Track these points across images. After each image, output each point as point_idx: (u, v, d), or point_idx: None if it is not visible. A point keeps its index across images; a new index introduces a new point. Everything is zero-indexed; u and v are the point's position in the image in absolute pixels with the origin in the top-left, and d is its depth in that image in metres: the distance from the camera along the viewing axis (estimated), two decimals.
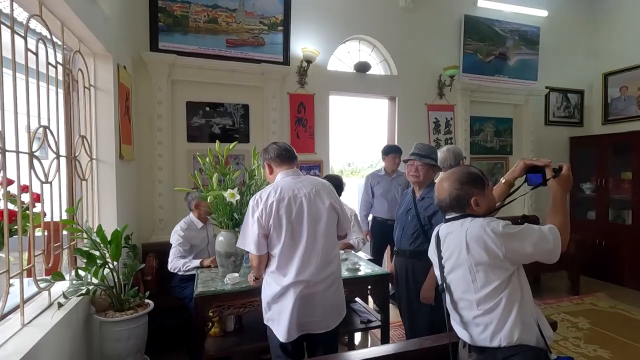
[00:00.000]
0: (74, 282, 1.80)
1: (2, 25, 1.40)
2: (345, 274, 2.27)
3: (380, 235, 3.65)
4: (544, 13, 4.81)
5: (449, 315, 1.34)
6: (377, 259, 3.67)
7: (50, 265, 1.75)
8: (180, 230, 2.75)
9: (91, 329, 1.98)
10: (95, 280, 1.87)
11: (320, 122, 3.91)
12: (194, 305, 1.92)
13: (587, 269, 4.75)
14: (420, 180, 2.16)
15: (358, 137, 9.14)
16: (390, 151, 3.62)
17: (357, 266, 2.33)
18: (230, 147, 2.17)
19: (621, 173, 4.63)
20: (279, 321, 1.64)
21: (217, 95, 3.58)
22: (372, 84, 4.14)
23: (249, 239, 1.62)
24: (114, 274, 1.97)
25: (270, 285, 1.66)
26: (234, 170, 2.25)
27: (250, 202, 1.65)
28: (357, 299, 2.74)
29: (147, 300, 2.11)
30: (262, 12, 3.60)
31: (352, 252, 2.95)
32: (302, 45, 3.71)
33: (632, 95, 4.73)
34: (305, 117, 3.84)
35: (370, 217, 3.79)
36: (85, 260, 1.85)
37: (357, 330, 2.62)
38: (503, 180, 1.50)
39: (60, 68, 2.01)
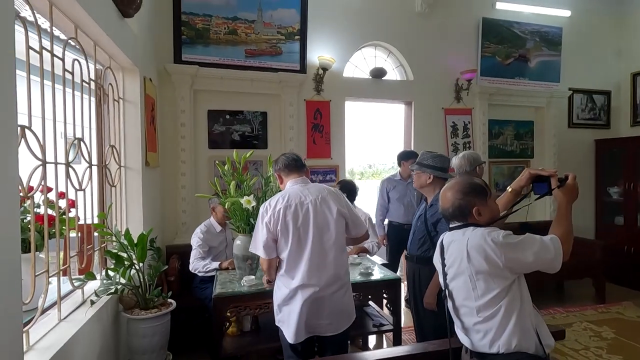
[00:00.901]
0: (105, 281, 1.95)
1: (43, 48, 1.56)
2: (357, 278, 2.33)
3: (397, 240, 3.67)
4: (566, 13, 4.70)
5: (451, 321, 1.38)
6: (393, 263, 3.70)
7: (83, 265, 1.91)
8: (200, 232, 2.89)
9: (119, 326, 2.13)
10: (123, 280, 2.01)
11: (336, 128, 3.98)
12: (212, 305, 2.04)
13: (614, 276, 4.58)
14: (419, 187, 2.20)
15: (379, 139, 9.21)
16: (405, 157, 3.65)
17: (369, 271, 2.39)
18: (248, 155, 2.28)
19: None
20: (288, 323, 1.72)
21: (237, 103, 3.72)
22: (387, 89, 4.17)
23: (258, 243, 1.71)
24: (140, 274, 2.12)
25: (280, 288, 1.75)
26: (251, 176, 2.36)
27: (261, 209, 1.75)
28: (371, 302, 2.78)
29: (170, 300, 2.24)
30: (279, 23, 3.72)
31: (367, 256, 2.99)
32: (319, 53, 3.81)
33: None
34: (321, 124, 3.92)
35: (386, 222, 3.82)
36: (114, 262, 2.00)
37: (370, 333, 2.66)
38: (509, 189, 1.52)
39: (92, 84, 2.17)
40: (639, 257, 4.39)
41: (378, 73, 4.09)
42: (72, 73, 1.89)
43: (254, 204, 2.04)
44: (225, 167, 2.27)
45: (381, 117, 5.50)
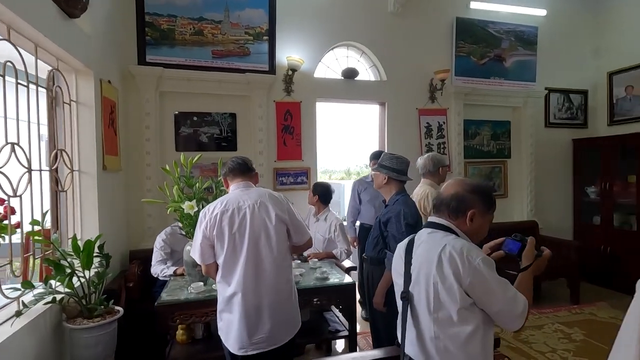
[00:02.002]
0: (37, 291, 1.89)
1: None
2: (312, 283, 2.28)
3: (366, 242, 3.63)
4: (542, 12, 4.68)
5: (404, 326, 1.26)
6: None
7: (21, 274, 1.85)
8: (164, 234, 2.85)
9: (62, 336, 2.06)
10: (63, 289, 1.95)
11: (308, 129, 3.93)
12: (155, 313, 1.98)
13: (591, 276, 4.57)
14: (377, 187, 2.27)
15: (355, 140, 9.25)
16: (373, 157, 3.61)
17: (325, 275, 2.34)
18: (196, 159, 2.23)
19: (628, 176, 4.43)
20: (228, 332, 1.67)
21: (205, 105, 3.67)
22: (360, 90, 4.13)
23: (195, 248, 1.67)
24: (82, 282, 2.05)
25: (220, 294, 1.70)
26: (203, 180, 2.30)
27: (200, 214, 1.69)
28: (333, 307, 2.74)
29: (117, 308, 2.18)
30: (247, 23, 3.67)
31: (331, 261, 2.95)
32: (289, 53, 3.76)
33: (639, 95, 4.52)
34: (292, 125, 3.87)
35: (358, 223, 3.78)
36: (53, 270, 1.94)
37: (325, 340, 2.62)
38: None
39: (32, 86, 2.10)
40: (614, 257, 4.38)
41: (350, 73, 4.04)
42: (2, 76, 1.82)
43: (196, 209, 1.99)
44: (178, 169, 2.20)
45: (358, 118, 5.46)
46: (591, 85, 5.01)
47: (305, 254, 2.94)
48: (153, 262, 2.76)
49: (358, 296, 3.75)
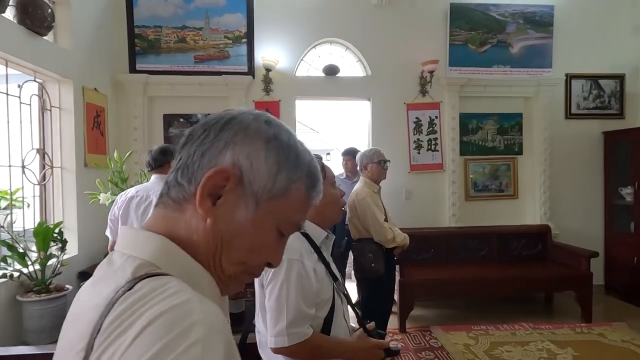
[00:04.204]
0: None
1: None
2: None
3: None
4: None
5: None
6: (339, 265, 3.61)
7: None
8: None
9: (20, 308, 2.41)
10: (17, 267, 2.30)
11: None
12: None
13: (622, 291, 3.92)
14: None
15: (343, 137, 9.16)
16: (345, 153, 3.55)
17: None
18: (126, 156, 2.44)
19: None
20: None
21: (190, 107, 3.94)
22: (343, 87, 4.07)
23: (108, 225, 1.87)
24: (29, 261, 2.38)
25: None
26: (143, 177, 2.52)
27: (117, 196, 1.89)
28: None
29: (67, 286, 2.49)
30: (226, 28, 3.85)
31: None
32: (269, 53, 3.86)
33: None
34: None
35: None
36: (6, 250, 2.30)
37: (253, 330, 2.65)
38: None
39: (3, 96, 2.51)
40: None
41: (331, 70, 4.00)
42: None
43: (111, 200, 2.19)
44: (112, 164, 2.44)
45: (346, 115, 5.35)
46: (630, 68, 4.27)
47: None
48: None
49: None
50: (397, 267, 3.27)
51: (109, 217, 1.97)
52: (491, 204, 4.27)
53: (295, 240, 1.11)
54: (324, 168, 1.21)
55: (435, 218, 4.09)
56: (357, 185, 2.56)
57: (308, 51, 4.08)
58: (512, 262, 3.88)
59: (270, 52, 3.88)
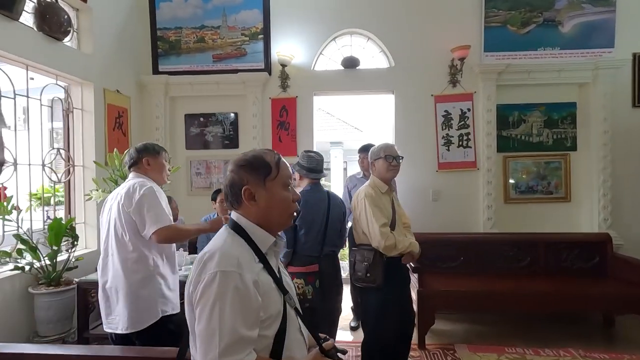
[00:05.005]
0: (9, 258, 2.39)
1: None
2: None
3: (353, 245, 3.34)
4: None
5: None
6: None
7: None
8: None
9: (32, 300, 2.54)
10: (29, 260, 2.43)
11: (304, 124, 3.84)
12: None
13: None
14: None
15: (367, 132, 8.72)
16: (360, 150, 3.30)
17: None
18: (123, 156, 2.45)
19: None
20: None
21: (209, 106, 3.96)
22: (364, 80, 3.81)
23: None
24: (41, 255, 2.50)
25: None
26: None
27: None
28: None
29: (75, 280, 2.58)
30: (243, 25, 3.81)
31: None
32: (286, 49, 3.74)
33: None
34: (287, 121, 3.84)
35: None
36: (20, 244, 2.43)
37: None
38: None
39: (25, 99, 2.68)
40: None
41: (350, 63, 3.77)
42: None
43: (102, 198, 2.21)
44: (116, 162, 2.48)
45: (374, 109, 5.02)
46: None
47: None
48: None
49: (351, 303, 3.49)
50: (416, 276, 2.98)
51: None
52: (537, 208, 3.73)
53: (233, 247, 0.95)
54: (278, 163, 1.03)
55: (466, 222, 3.66)
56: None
57: (327, 44, 3.89)
58: (561, 276, 3.32)
59: (287, 47, 3.76)
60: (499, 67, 3.57)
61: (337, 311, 2.36)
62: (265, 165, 1.01)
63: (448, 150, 3.69)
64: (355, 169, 3.66)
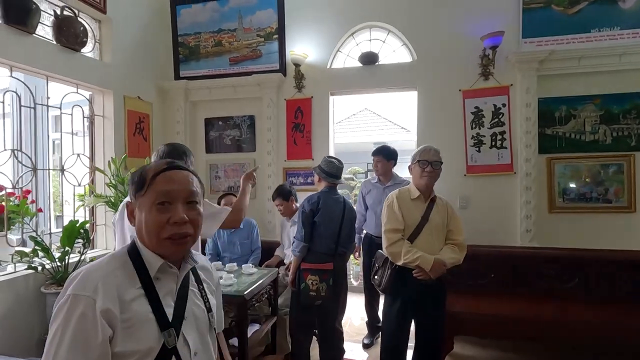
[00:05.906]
0: (23, 258, 2.53)
1: None
2: None
3: (368, 254, 3.10)
4: None
5: None
6: (368, 279, 3.15)
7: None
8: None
9: (44, 299, 2.67)
10: (42, 260, 2.56)
11: (319, 126, 3.66)
12: None
13: None
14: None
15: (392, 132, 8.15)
16: (374, 153, 3.05)
17: (221, 281, 2.17)
18: (120, 161, 2.49)
19: None
20: None
21: (228, 109, 3.95)
22: (384, 76, 3.52)
23: None
24: (51, 256, 2.61)
25: None
26: None
27: None
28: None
29: None
30: (258, 25, 3.73)
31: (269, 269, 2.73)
32: (302, 47, 3.60)
33: None
34: (302, 122, 3.69)
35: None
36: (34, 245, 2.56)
37: None
38: None
39: (42, 108, 2.84)
40: None
41: (368, 59, 3.51)
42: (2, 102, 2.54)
43: (94, 203, 2.23)
44: (115, 167, 2.52)
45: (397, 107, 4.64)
46: None
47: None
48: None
49: (366, 317, 3.26)
50: None
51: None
52: (590, 219, 3.16)
53: (103, 268, 0.83)
54: (154, 177, 0.88)
55: (499, 234, 3.21)
56: None
57: (345, 40, 3.67)
58: (619, 302, 2.76)
59: (303, 46, 3.61)
60: (541, 54, 3.08)
61: (344, 307, 2.75)
62: (140, 178, 0.88)
63: (479, 151, 3.27)
64: (403, 172, 3.37)
